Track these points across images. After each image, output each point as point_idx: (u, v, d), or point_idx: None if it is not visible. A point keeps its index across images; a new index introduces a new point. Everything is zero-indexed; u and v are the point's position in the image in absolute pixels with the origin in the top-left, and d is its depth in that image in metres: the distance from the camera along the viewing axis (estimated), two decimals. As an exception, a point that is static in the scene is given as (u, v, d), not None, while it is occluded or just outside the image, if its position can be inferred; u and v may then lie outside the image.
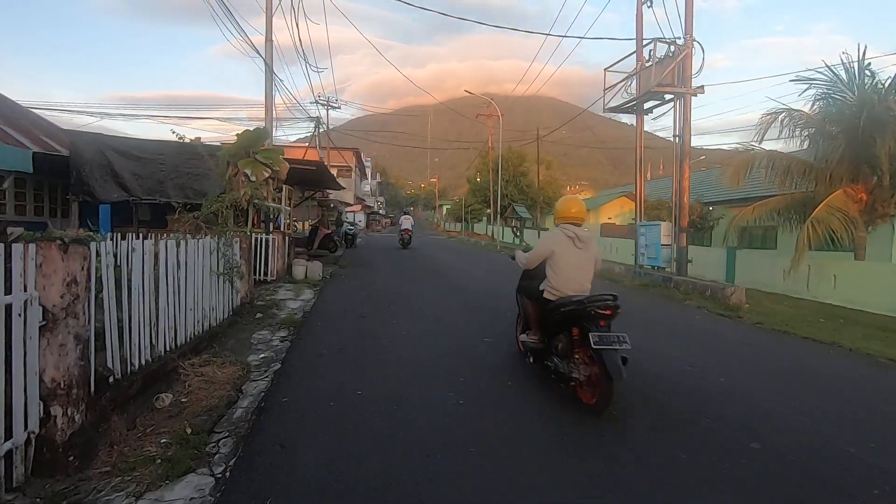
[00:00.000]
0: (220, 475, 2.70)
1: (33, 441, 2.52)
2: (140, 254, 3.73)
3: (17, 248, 2.40)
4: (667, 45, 11.91)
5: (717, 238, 19.25)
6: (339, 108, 30.45)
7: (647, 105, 13.17)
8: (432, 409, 3.70)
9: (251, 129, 8.77)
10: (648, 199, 19.87)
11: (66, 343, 2.63)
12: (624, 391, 3.91)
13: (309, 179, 14.85)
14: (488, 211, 40.73)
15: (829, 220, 10.45)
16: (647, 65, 12.46)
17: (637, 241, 13.26)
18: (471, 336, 5.97)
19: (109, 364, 3.32)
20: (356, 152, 45.63)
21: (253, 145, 8.46)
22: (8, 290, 2.37)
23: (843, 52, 11.58)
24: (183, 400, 3.71)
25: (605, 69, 13.57)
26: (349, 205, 32.42)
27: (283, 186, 11.49)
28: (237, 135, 8.66)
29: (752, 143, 12.93)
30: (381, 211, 69.64)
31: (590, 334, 3.54)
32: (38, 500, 2.39)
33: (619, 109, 13.69)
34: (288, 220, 13.75)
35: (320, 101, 28.41)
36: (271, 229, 10.79)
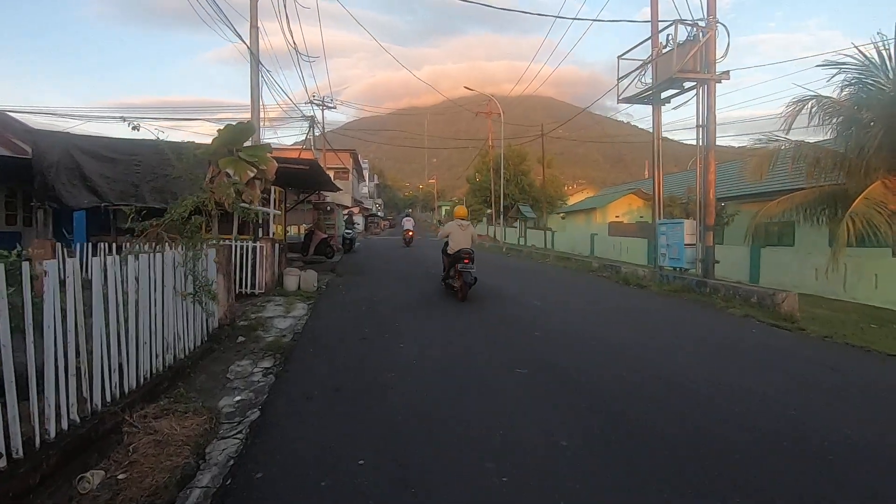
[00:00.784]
0: None
1: None
2: (53, 276, 2.71)
3: None
4: (688, 29, 10.99)
5: (730, 236, 18.27)
6: (335, 107, 29.40)
7: (664, 95, 12.25)
8: (462, 488, 2.70)
9: (234, 123, 7.78)
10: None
11: None
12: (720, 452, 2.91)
13: (302, 180, 13.84)
14: (489, 211, 39.86)
15: (869, 213, 9.61)
16: (666, 50, 11.52)
17: (657, 242, 12.29)
18: (494, 364, 4.93)
19: None
20: (353, 154, 44.69)
21: (236, 142, 7.46)
22: None
23: (878, 33, 10.69)
24: (120, 477, 2.71)
25: (618, 56, 12.59)
26: (346, 207, 31.41)
27: (273, 188, 10.48)
28: (218, 130, 7.66)
29: (777, 134, 12.08)
30: (379, 213, 68.59)
31: (457, 265, 8.45)
32: None
33: (634, 100, 12.76)
34: (279, 225, 12.73)
35: (315, 101, 27.40)
36: (260, 235, 9.81)
